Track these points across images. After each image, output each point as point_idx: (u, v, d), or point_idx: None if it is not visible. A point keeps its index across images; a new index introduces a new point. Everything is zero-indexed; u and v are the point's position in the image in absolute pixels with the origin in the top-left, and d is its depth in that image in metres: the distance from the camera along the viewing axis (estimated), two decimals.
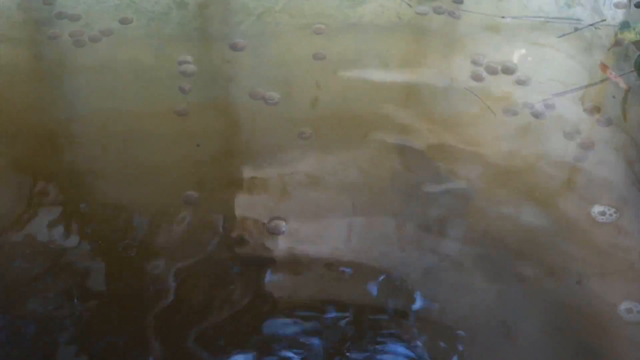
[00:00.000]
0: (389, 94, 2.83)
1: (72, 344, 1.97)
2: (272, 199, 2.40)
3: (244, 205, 2.37)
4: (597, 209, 2.41)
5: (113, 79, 2.82)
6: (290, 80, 2.86)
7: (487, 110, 2.74)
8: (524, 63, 2.98)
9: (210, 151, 2.57)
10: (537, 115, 2.75)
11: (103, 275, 2.15)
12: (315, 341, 1.97)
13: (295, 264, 2.22)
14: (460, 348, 2.03)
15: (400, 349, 2.00)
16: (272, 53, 2.96)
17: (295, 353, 1.95)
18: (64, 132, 2.64)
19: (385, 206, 2.41)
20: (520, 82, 2.88)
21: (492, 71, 2.93)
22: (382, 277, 2.18)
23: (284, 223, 2.31)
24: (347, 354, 1.95)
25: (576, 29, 3.12)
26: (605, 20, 3.21)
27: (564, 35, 3.10)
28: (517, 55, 3.03)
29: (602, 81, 2.89)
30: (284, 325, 2.01)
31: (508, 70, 2.92)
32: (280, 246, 2.25)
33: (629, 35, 3.07)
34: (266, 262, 2.21)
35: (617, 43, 3.07)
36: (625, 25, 3.11)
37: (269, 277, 2.17)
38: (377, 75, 2.90)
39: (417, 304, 2.12)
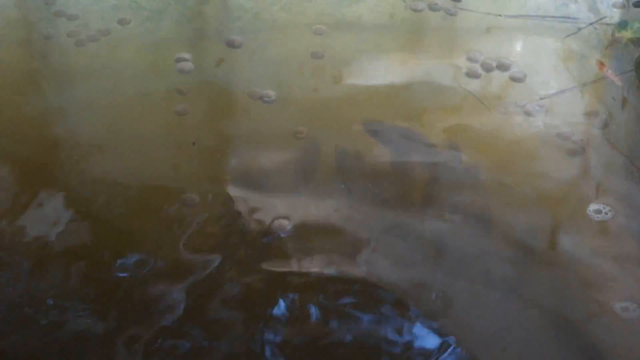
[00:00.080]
0: (384, 93, 2.82)
1: None
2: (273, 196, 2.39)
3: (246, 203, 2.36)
4: (593, 207, 2.39)
5: (111, 77, 2.80)
6: (287, 78, 2.84)
7: (481, 106, 2.73)
8: (520, 60, 2.95)
9: (206, 149, 2.56)
10: (529, 113, 2.72)
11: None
12: None
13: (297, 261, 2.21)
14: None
15: None
16: (270, 51, 2.95)
17: None
18: (64, 132, 2.63)
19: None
20: (516, 80, 2.86)
21: (488, 68, 2.91)
22: None
23: (287, 222, 2.29)
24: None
25: (579, 29, 3.11)
26: (605, 17, 3.20)
27: (568, 35, 3.09)
28: (513, 52, 3.02)
29: (595, 80, 2.88)
30: None
31: (503, 67, 2.91)
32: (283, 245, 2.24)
33: (627, 34, 3.06)
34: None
35: (615, 41, 3.06)
36: (623, 24, 3.10)
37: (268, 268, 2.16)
38: (374, 72, 2.89)
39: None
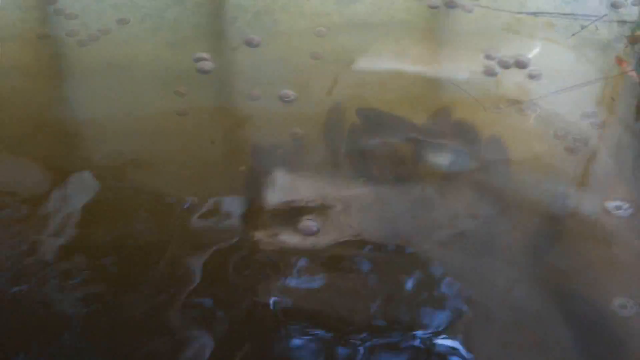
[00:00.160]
0: (398, 88, 2.80)
1: None
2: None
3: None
4: (611, 203, 2.35)
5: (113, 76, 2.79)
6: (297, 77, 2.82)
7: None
8: (537, 58, 2.92)
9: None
10: (546, 108, 2.69)
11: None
12: None
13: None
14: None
15: None
16: (272, 51, 2.93)
17: None
18: (66, 129, 2.62)
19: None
20: (533, 77, 2.83)
21: (505, 65, 2.88)
22: None
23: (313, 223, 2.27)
24: None
25: (582, 27, 3.08)
26: (606, 15, 3.18)
27: (574, 34, 3.06)
28: (530, 50, 2.98)
29: (613, 77, 2.84)
30: None
31: (521, 65, 2.87)
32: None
33: None
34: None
35: (634, 40, 3.02)
36: None
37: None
38: (390, 71, 2.87)
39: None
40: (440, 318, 2.00)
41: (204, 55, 2.85)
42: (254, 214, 2.27)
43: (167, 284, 2.02)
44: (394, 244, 2.19)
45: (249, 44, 2.95)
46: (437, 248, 2.19)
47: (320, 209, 2.28)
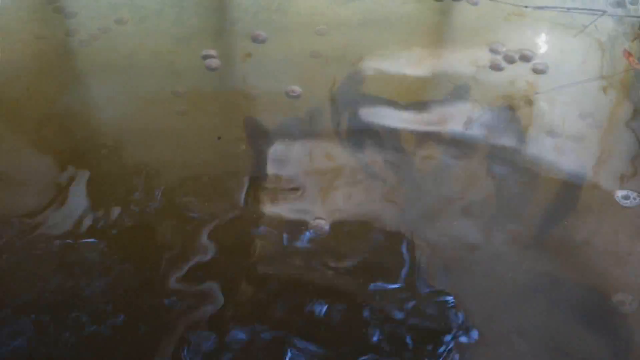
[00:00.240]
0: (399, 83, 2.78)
1: None
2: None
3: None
4: (620, 193, 2.31)
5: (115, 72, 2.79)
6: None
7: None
8: (542, 52, 2.89)
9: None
10: (552, 102, 2.67)
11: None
12: None
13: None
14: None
15: None
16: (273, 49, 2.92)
17: None
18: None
19: None
20: (538, 72, 2.80)
21: (510, 60, 2.85)
22: None
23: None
24: None
25: (589, 23, 3.04)
26: (614, 10, 3.14)
27: (581, 29, 3.03)
28: (536, 44, 2.95)
29: (620, 73, 2.81)
30: None
31: (526, 59, 2.85)
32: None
33: None
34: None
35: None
36: None
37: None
38: (394, 63, 2.86)
39: None
40: None
41: (212, 52, 2.84)
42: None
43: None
44: None
45: (256, 40, 2.94)
46: None
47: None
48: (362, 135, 2.53)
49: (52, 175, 2.33)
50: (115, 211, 2.21)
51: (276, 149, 2.46)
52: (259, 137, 2.52)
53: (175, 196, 2.26)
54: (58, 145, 2.46)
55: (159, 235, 2.15)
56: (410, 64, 2.86)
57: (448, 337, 1.90)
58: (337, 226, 2.19)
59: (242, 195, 2.27)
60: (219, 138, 2.49)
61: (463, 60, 2.86)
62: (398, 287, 2.02)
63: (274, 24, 3.03)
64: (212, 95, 2.70)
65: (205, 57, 2.81)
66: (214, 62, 2.79)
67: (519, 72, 2.80)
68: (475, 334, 1.92)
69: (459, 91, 2.71)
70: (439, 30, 3.10)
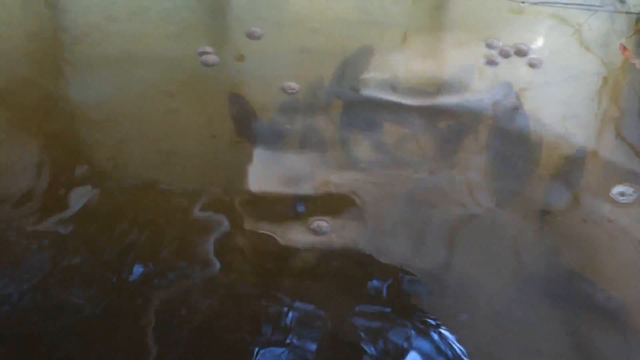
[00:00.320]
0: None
1: None
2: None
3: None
4: (616, 189, 2.28)
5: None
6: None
7: None
8: (539, 47, 2.86)
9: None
10: (545, 96, 2.65)
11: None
12: None
13: None
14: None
15: None
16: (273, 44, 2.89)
17: None
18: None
19: None
20: (534, 65, 2.77)
21: (506, 54, 2.82)
22: None
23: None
24: None
25: (579, 25, 3.02)
26: (610, 6, 3.12)
27: (578, 24, 3.01)
28: (533, 39, 2.92)
29: (617, 68, 2.78)
30: None
31: (521, 53, 2.82)
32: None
33: None
34: None
35: (638, 31, 2.96)
36: None
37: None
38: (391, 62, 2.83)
39: None
40: None
41: (208, 49, 2.81)
42: None
43: None
44: None
45: (251, 36, 2.91)
46: None
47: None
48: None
49: (43, 169, 2.29)
50: (110, 207, 2.18)
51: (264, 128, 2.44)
52: (244, 114, 2.51)
53: (170, 193, 2.23)
54: (50, 140, 2.42)
55: (153, 234, 2.12)
56: (405, 59, 2.84)
57: None
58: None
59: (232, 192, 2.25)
60: (215, 136, 2.46)
61: (458, 55, 2.84)
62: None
63: (269, 20, 2.99)
64: (208, 91, 2.66)
65: (202, 53, 2.78)
66: (211, 58, 2.75)
67: (514, 66, 2.78)
68: None
69: (451, 86, 2.69)
70: (435, 26, 3.08)
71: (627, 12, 3.08)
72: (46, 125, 2.48)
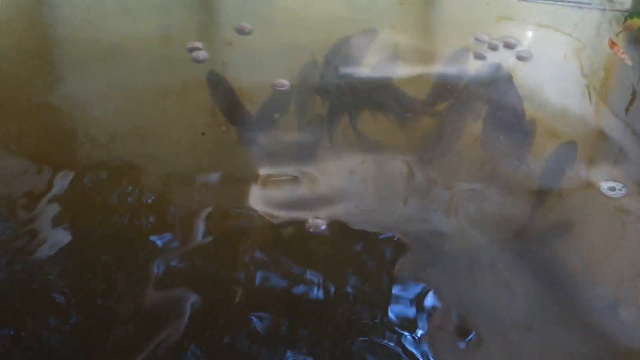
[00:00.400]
0: None
1: None
2: None
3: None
4: (606, 184, 2.26)
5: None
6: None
7: None
8: (529, 42, 2.86)
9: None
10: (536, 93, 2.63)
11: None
12: None
13: None
14: None
15: None
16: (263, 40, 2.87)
17: None
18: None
19: None
20: (522, 59, 2.77)
21: (494, 48, 2.82)
22: None
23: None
24: None
25: (575, 25, 3.02)
26: (600, 3, 3.12)
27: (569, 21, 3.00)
28: (524, 35, 2.91)
29: (599, 61, 2.79)
30: None
31: (510, 46, 2.82)
32: None
33: (638, 22, 2.96)
34: None
35: (626, 28, 2.96)
36: (635, 12, 3.01)
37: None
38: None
39: None
40: None
41: (198, 44, 2.78)
42: None
43: None
44: None
45: (241, 32, 2.88)
46: None
47: None
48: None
49: (32, 166, 2.24)
50: (100, 205, 2.14)
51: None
52: (224, 92, 2.49)
53: (161, 189, 2.19)
54: (39, 137, 2.37)
55: (143, 231, 2.08)
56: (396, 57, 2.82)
57: None
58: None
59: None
60: (204, 134, 2.42)
61: (448, 50, 2.83)
62: None
63: (259, 16, 2.96)
64: (197, 88, 2.62)
65: (192, 49, 2.74)
66: (201, 55, 2.71)
67: (503, 60, 2.78)
68: None
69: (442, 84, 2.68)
70: (425, 22, 3.07)
71: (615, 10, 3.08)
72: (34, 121, 2.43)
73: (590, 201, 2.20)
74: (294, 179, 2.23)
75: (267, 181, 2.22)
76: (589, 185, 2.25)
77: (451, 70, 2.72)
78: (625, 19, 3.02)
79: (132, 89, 2.58)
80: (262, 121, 2.47)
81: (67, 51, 2.78)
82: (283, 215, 2.10)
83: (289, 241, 2.04)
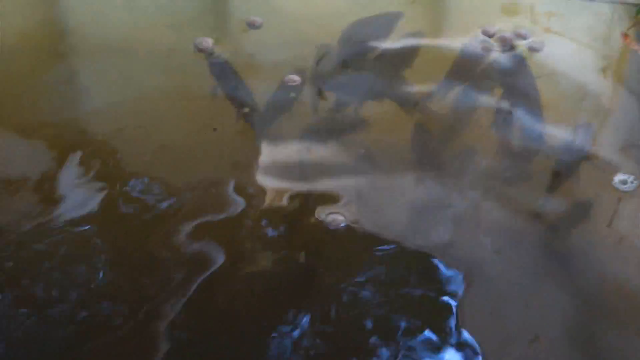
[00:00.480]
0: None
1: None
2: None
3: None
4: (618, 177, 2.23)
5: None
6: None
7: None
8: (541, 35, 2.83)
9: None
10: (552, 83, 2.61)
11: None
12: None
13: None
14: None
15: None
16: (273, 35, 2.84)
17: None
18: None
19: None
20: (534, 50, 2.75)
21: (503, 40, 2.79)
22: None
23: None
24: None
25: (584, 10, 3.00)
26: None
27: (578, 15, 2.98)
28: (534, 28, 2.88)
29: (611, 53, 2.75)
30: None
31: (521, 37, 2.79)
32: None
33: None
34: None
35: (637, 23, 2.91)
36: None
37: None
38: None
39: None
40: None
41: (207, 39, 2.75)
42: None
43: None
44: None
45: (252, 26, 2.86)
46: None
47: None
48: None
49: (40, 159, 2.22)
50: (108, 199, 2.12)
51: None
52: (228, 78, 2.49)
53: (169, 185, 2.16)
54: (47, 130, 2.35)
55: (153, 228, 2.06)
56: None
57: None
58: None
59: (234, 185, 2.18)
60: (216, 129, 2.39)
61: (456, 42, 2.80)
62: None
63: (269, 9, 2.93)
64: (206, 83, 2.59)
65: (200, 44, 2.71)
66: (209, 49, 2.69)
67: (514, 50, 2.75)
68: None
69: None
70: (434, 15, 3.04)
71: (626, 3, 3.05)
72: (40, 115, 2.41)
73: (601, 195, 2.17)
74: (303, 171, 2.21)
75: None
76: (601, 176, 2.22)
77: (463, 58, 2.72)
78: (637, 13, 2.97)
79: (139, 81, 2.56)
80: (276, 104, 2.46)
81: (73, 45, 2.77)
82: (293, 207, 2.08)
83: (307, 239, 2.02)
